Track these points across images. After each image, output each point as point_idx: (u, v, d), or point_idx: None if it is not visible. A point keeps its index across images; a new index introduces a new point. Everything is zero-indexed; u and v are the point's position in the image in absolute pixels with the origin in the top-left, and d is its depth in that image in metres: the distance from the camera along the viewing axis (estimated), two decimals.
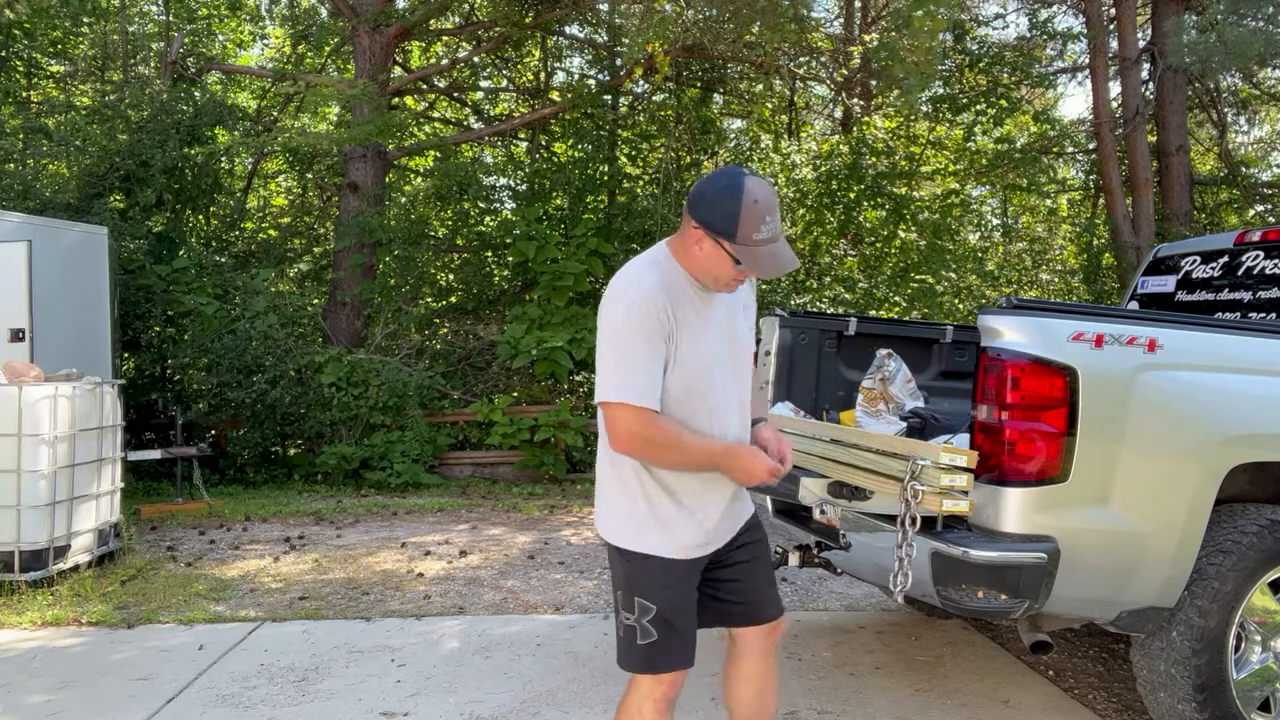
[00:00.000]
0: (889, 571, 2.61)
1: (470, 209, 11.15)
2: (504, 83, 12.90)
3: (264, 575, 5.30)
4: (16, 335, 6.57)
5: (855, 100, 12.09)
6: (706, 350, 2.14)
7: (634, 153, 11.57)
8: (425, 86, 11.90)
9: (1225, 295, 4.55)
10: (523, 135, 11.99)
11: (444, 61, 12.18)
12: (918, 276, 10.12)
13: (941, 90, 11.21)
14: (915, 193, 11.55)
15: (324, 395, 8.44)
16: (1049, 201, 13.18)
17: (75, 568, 5.05)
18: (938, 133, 12.38)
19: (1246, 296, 4.43)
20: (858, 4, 13.18)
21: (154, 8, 13.01)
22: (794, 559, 3.35)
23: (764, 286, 9.93)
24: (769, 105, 12.28)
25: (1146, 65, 10.33)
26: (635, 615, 2.21)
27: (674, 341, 2.08)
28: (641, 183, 11.43)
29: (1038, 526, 2.58)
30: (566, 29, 11.58)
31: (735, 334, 2.25)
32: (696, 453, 2.10)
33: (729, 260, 2.05)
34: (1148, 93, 10.36)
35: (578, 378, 9.65)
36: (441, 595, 4.92)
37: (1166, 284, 4.92)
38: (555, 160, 11.64)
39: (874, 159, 10.82)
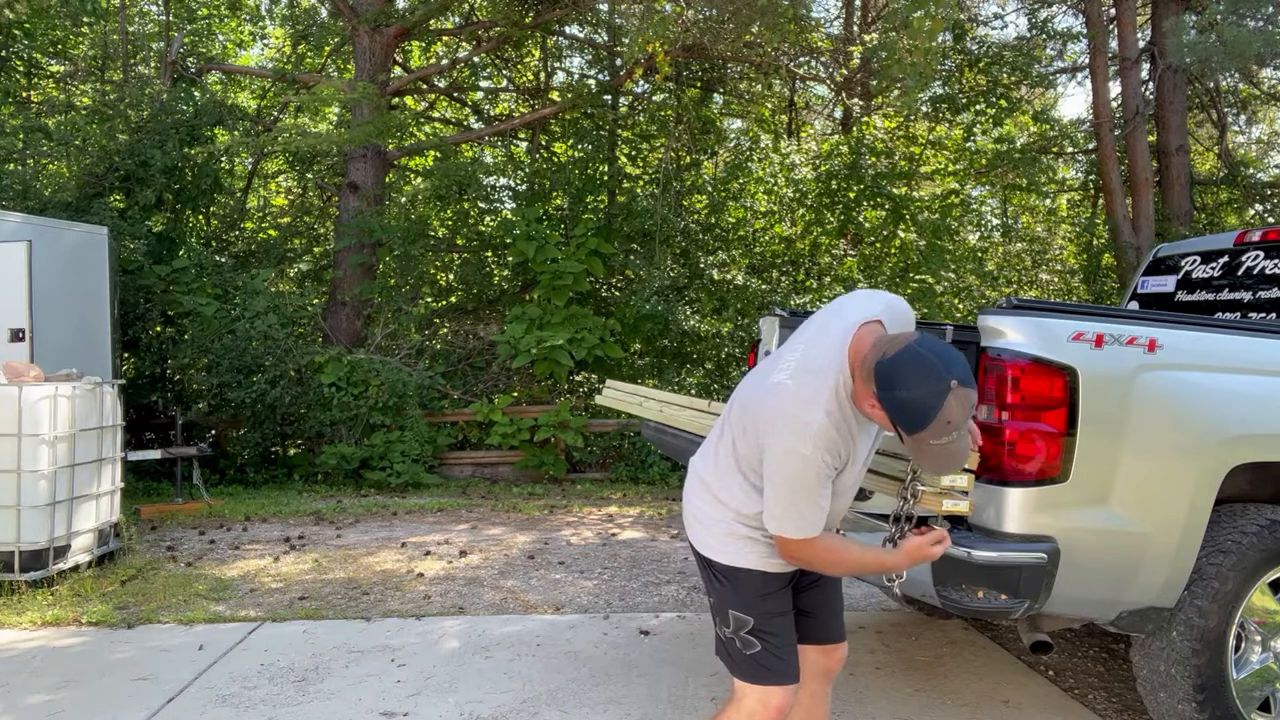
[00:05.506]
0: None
1: (470, 209, 11.15)
2: (504, 83, 12.89)
3: (264, 575, 5.30)
4: (16, 335, 6.57)
5: (855, 100, 12.08)
6: (857, 464, 2.17)
7: (634, 153, 11.57)
8: (425, 86, 11.90)
9: (1225, 295, 4.56)
10: (523, 135, 11.98)
11: (444, 61, 12.18)
12: (917, 276, 10.10)
13: (941, 90, 11.21)
14: (915, 193, 11.54)
15: (324, 395, 8.44)
16: (1049, 201, 13.17)
17: (75, 568, 5.06)
18: (937, 133, 12.37)
19: (1246, 296, 4.44)
20: (858, 4, 13.18)
21: (154, 8, 13.01)
22: None
23: (764, 287, 9.93)
24: (769, 105, 12.27)
25: (1146, 65, 10.33)
26: (731, 628, 2.24)
27: (839, 472, 2.11)
28: (641, 183, 11.42)
29: (1038, 527, 2.58)
30: (566, 29, 11.58)
31: (875, 434, 2.25)
32: (863, 564, 2.18)
33: (894, 430, 2.02)
34: (1147, 93, 10.36)
35: (577, 378, 9.65)
36: (441, 595, 4.92)
37: (1166, 284, 4.92)
38: (555, 160, 11.63)
39: (874, 159, 10.82)
